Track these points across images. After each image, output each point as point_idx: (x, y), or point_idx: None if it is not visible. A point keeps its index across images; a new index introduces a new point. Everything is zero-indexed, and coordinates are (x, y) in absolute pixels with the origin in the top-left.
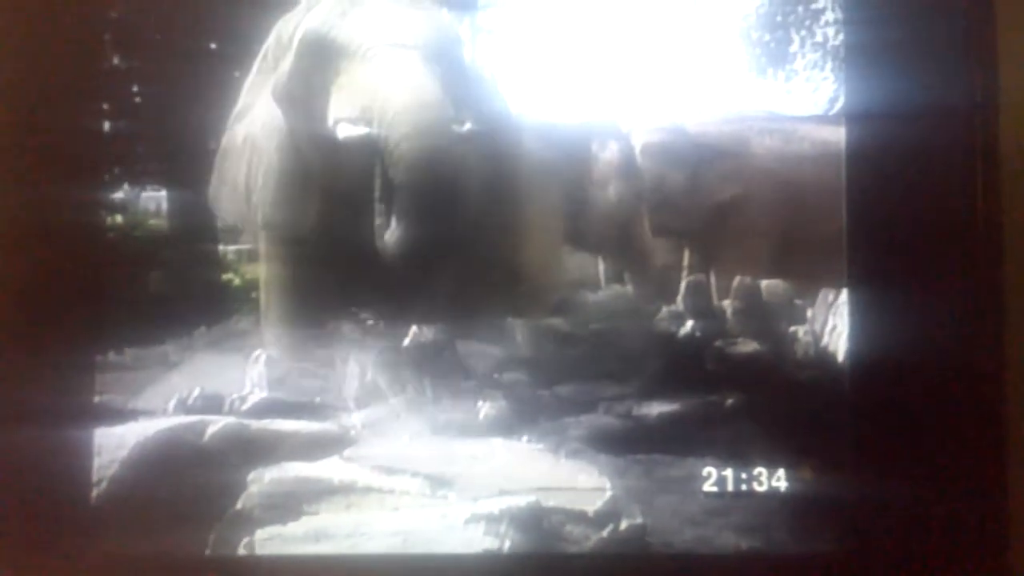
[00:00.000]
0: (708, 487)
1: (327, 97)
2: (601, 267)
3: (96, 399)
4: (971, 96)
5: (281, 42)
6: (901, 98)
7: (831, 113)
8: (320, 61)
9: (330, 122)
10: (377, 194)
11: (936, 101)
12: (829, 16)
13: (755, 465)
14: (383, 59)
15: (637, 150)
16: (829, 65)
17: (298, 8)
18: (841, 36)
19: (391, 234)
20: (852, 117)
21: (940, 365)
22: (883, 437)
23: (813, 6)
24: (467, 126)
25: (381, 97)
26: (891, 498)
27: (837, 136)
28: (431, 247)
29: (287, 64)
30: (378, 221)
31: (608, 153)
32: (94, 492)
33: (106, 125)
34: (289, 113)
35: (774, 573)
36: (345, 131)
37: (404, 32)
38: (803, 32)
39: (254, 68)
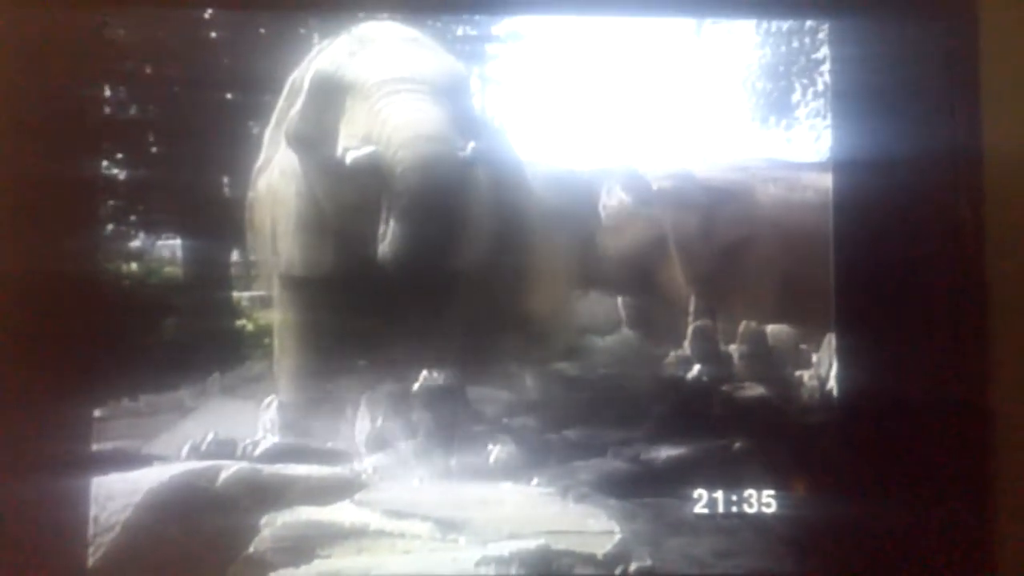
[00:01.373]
0: (699, 509)
1: (336, 134)
2: (610, 312)
3: (107, 445)
4: (955, 144)
5: (294, 88)
6: (887, 146)
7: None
8: (330, 99)
9: (339, 154)
10: (383, 215)
11: (921, 149)
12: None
13: (765, 504)
14: (390, 94)
15: (633, 195)
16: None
17: (310, 56)
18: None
19: (390, 244)
20: (839, 165)
21: (926, 398)
22: (873, 468)
23: (814, 56)
24: (471, 146)
25: (387, 127)
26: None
27: None
28: (428, 260)
29: (298, 106)
30: (381, 240)
31: (624, 198)
32: (95, 543)
33: (122, 174)
34: (302, 153)
35: None
36: (352, 159)
37: (412, 70)
38: (804, 81)
39: (272, 120)
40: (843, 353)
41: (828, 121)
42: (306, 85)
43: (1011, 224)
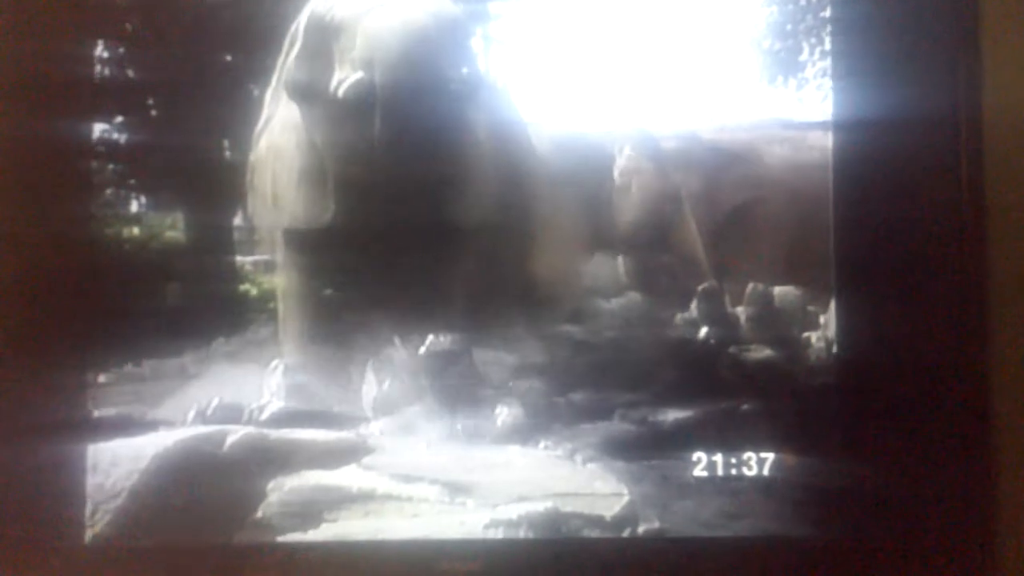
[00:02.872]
0: (698, 472)
1: (332, 73)
2: (615, 274)
3: (111, 411)
4: (955, 104)
5: (292, 40)
6: (886, 107)
7: None
8: (324, 38)
9: (331, 89)
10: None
11: (921, 110)
12: None
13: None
14: (379, 10)
15: (638, 156)
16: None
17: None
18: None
19: (382, 187)
20: (839, 126)
21: (927, 361)
22: (873, 430)
23: (822, 14)
24: (464, 71)
25: (373, 48)
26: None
27: None
28: (419, 200)
29: (294, 52)
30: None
31: (634, 158)
32: (100, 510)
33: (121, 137)
34: (300, 100)
35: (788, 559)
36: (342, 91)
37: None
38: (813, 40)
39: (273, 80)
40: (843, 314)
41: None
42: (301, 29)
43: (1011, 185)
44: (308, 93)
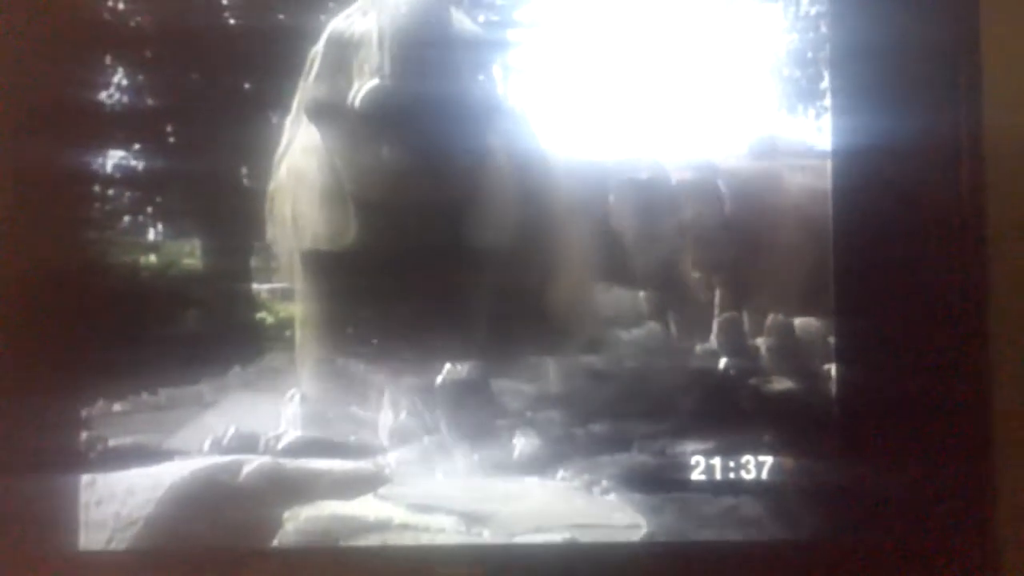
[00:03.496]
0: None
1: (351, 87)
2: (635, 304)
3: (127, 440)
4: (956, 131)
5: (312, 62)
6: (887, 135)
7: None
8: (343, 55)
9: (349, 99)
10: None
11: (922, 139)
12: None
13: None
14: (396, 28)
15: (658, 186)
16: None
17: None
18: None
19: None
20: (838, 154)
21: (928, 382)
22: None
23: (828, 41)
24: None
25: (388, 55)
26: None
27: None
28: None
29: (314, 71)
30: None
31: (646, 188)
32: (116, 539)
33: (140, 165)
34: (319, 120)
35: (791, 561)
36: (358, 100)
37: (427, 16)
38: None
39: (293, 106)
40: (844, 336)
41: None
42: (320, 48)
43: (1013, 212)
44: (327, 111)
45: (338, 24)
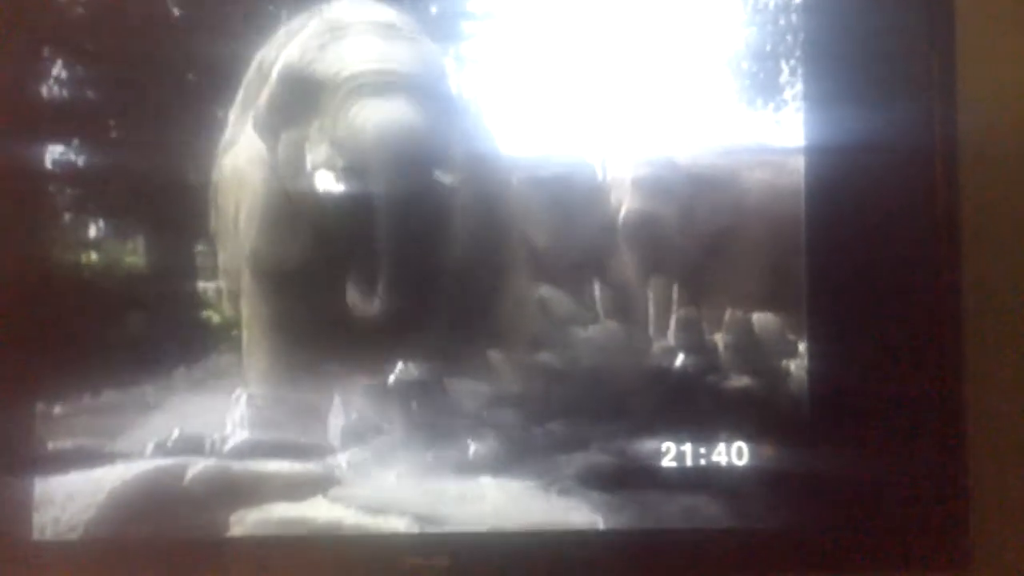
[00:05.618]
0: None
1: (307, 133)
2: (592, 302)
3: (67, 444)
4: (930, 127)
5: (261, 71)
6: (860, 133)
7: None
8: (299, 95)
9: (309, 166)
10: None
11: (895, 136)
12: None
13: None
14: (361, 89)
15: (614, 182)
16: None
17: (277, 37)
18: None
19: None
20: (811, 151)
21: (901, 378)
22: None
23: (802, 35)
24: (450, 179)
25: (360, 137)
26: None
27: None
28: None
29: (265, 96)
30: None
31: (580, 186)
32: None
33: (80, 160)
34: (270, 144)
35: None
36: (325, 180)
37: (386, 63)
38: (792, 62)
39: (239, 97)
40: (815, 336)
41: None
42: (274, 76)
43: (986, 209)
44: (279, 142)
45: (293, 59)
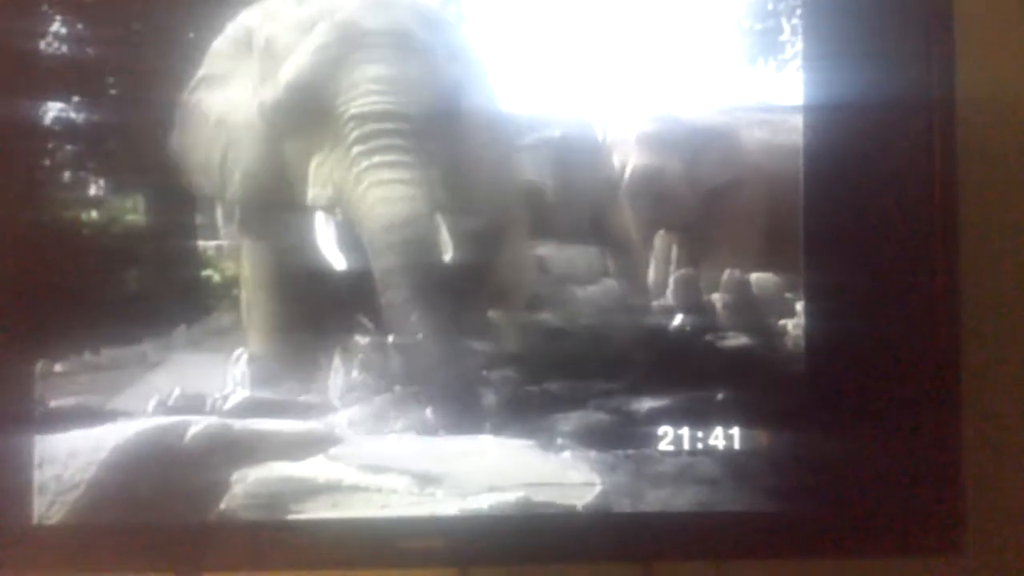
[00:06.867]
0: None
1: (312, 148)
2: (592, 261)
3: (69, 401)
4: (928, 86)
5: (270, 41)
6: (858, 90)
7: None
8: (307, 112)
9: (311, 195)
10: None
11: (894, 96)
12: None
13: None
14: (372, 169)
15: (616, 140)
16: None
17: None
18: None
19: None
20: (810, 108)
21: (897, 341)
22: (841, 407)
23: None
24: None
25: (370, 226)
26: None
27: None
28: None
29: (272, 99)
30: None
31: (584, 145)
32: (58, 501)
33: (80, 117)
34: (275, 135)
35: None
36: (323, 222)
37: (394, 104)
38: (794, 21)
39: (227, 34)
40: (812, 296)
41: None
42: (282, 83)
43: (983, 168)
44: (284, 141)
45: (304, 73)
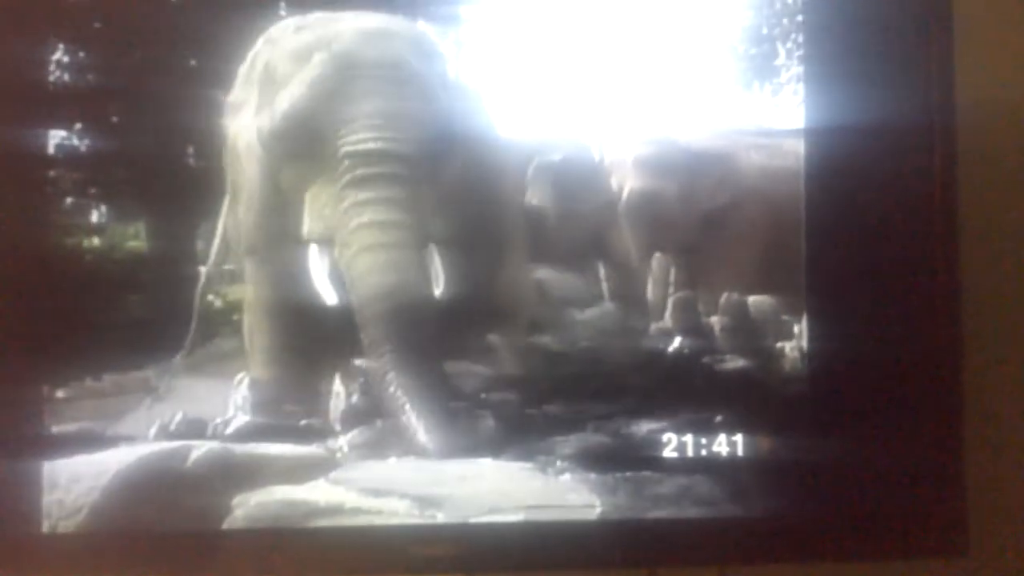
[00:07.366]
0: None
1: (307, 180)
2: (590, 284)
3: (71, 427)
4: (928, 109)
5: (268, 74)
6: (859, 112)
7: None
8: (303, 141)
9: (305, 228)
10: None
11: (895, 114)
12: None
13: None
14: (357, 193)
15: (614, 164)
16: (803, 79)
17: (286, 24)
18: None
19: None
20: (811, 131)
21: (899, 361)
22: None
23: (799, 18)
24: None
25: (363, 292)
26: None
27: None
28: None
29: (269, 126)
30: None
31: (578, 170)
32: (60, 527)
33: (83, 145)
34: (273, 159)
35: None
36: (317, 255)
37: (387, 143)
38: (789, 45)
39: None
40: (815, 317)
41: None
42: (279, 113)
43: (984, 189)
44: (281, 167)
45: (301, 103)
